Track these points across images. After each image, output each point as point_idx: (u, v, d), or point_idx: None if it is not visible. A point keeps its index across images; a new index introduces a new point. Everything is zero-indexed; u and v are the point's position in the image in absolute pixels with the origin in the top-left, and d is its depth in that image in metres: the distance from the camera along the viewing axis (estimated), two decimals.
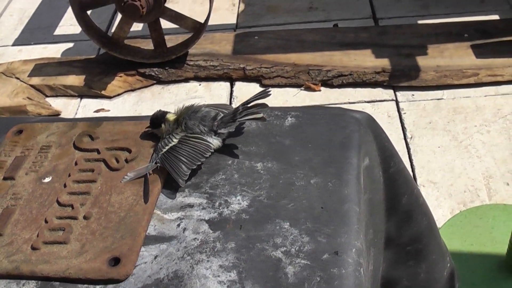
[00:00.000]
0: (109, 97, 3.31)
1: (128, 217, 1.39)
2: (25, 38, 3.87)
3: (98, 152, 1.55)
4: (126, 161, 1.52)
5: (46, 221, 1.38)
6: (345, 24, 3.62)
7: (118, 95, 3.33)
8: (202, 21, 3.24)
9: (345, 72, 3.18)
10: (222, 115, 1.53)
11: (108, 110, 3.22)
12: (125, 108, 3.23)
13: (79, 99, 3.33)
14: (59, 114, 3.22)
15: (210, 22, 3.35)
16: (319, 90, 3.18)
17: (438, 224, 2.44)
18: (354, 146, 1.46)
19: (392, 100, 3.08)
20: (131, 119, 1.65)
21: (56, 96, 3.36)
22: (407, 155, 2.78)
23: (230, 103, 3.16)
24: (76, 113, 3.22)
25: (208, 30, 3.45)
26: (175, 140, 1.49)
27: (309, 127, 1.51)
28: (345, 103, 3.08)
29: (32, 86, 3.34)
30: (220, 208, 1.37)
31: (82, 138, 1.60)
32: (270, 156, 1.46)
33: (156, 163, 1.48)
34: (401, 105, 3.05)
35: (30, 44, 3.79)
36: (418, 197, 1.71)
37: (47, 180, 1.50)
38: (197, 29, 3.28)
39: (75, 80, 3.35)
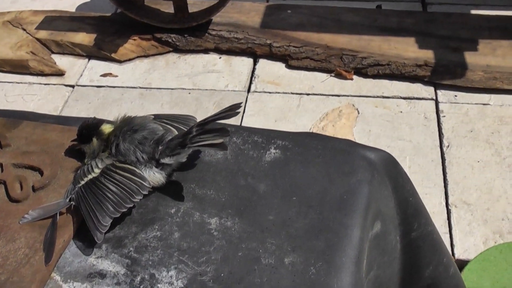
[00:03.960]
0: (119, 61, 2.80)
1: (9, 284, 0.85)
2: None
3: (2, 169, 1.01)
4: (33, 189, 0.97)
5: None
6: (389, 6, 3.06)
7: (129, 60, 2.81)
8: None
9: (383, 61, 2.63)
10: (170, 137, 0.96)
11: (116, 76, 2.73)
12: (134, 76, 2.72)
13: (86, 60, 2.83)
14: (63, 74, 2.73)
15: None
16: (351, 79, 2.65)
17: (468, 255, 2.01)
18: (359, 206, 0.88)
19: (432, 99, 2.54)
20: (63, 121, 1.09)
21: (63, 53, 2.86)
22: (441, 167, 2.27)
23: (251, 81, 2.63)
24: (81, 75, 2.73)
25: None
26: (97, 171, 0.93)
27: (298, 168, 0.93)
28: (378, 97, 2.55)
29: (38, 39, 2.84)
30: (141, 287, 0.81)
31: None
32: (232, 208, 0.89)
33: (70, 200, 0.93)
34: (441, 106, 2.51)
35: None
36: (448, 268, 1.13)
37: None
38: None
39: (85, 38, 2.84)
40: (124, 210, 0.91)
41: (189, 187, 0.94)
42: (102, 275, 0.86)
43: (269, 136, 0.98)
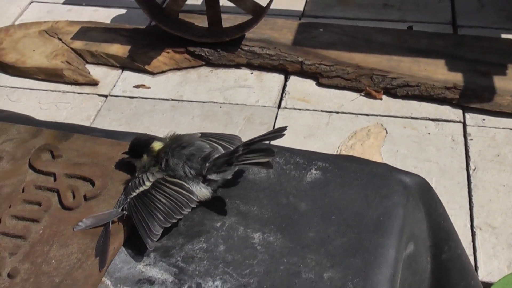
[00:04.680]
0: (152, 73, 2.86)
1: (64, 286, 0.92)
2: None
3: (55, 178, 1.08)
4: (85, 198, 1.04)
5: None
6: (420, 28, 3.10)
7: (162, 72, 2.88)
8: (265, 4, 2.78)
9: (412, 83, 2.67)
10: (217, 154, 1.03)
11: (149, 87, 2.79)
12: (166, 88, 2.78)
13: (120, 71, 2.90)
14: (97, 84, 2.80)
15: (275, 6, 2.95)
16: (380, 99, 2.69)
17: (491, 278, 2.02)
18: (395, 228, 0.94)
19: (460, 122, 2.58)
20: (112, 135, 1.16)
21: (97, 64, 2.93)
22: (467, 190, 2.30)
23: (281, 98, 2.69)
24: (114, 85, 2.80)
25: (271, 14, 3.00)
26: (148, 184, 1.00)
27: (338, 189, 0.99)
28: (406, 117, 2.59)
29: (73, 49, 2.92)
30: None
31: (40, 154, 1.12)
32: (275, 224, 0.95)
33: (122, 210, 1.00)
34: (468, 129, 2.54)
35: (81, 5, 3.37)
36: None
37: None
38: (257, 12, 2.81)
39: (119, 49, 2.92)
40: (174, 221, 0.97)
41: (233, 203, 1.01)
42: (151, 281, 0.93)
43: (310, 157, 1.05)
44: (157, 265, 0.95)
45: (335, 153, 2.41)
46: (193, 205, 1.00)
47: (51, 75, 2.82)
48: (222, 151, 1.06)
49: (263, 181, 1.03)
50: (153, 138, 1.10)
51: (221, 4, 2.86)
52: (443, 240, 1.09)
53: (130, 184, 1.04)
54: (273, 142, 1.03)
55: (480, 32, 3.06)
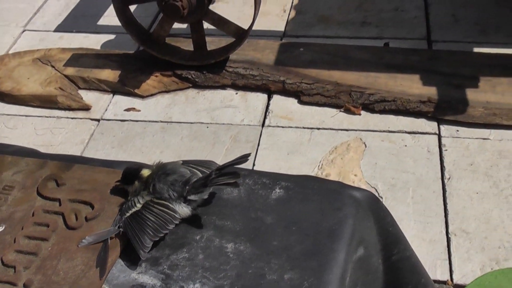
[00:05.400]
0: (142, 96, 3.07)
1: None
2: (68, 25, 3.65)
3: (60, 203, 1.32)
4: (86, 219, 1.29)
5: None
6: (396, 44, 3.31)
7: (151, 95, 3.09)
8: (247, 26, 2.98)
9: (389, 98, 2.88)
10: (195, 179, 1.27)
11: (139, 110, 3.00)
12: (156, 110, 3.00)
13: (111, 95, 3.11)
14: (89, 109, 3.01)
15: (257, 27, 3.12)
16: (359, 114, 2.90)
17: (465, 280, 2.18)
18: (345, 235, 1.18)
19: (435, 133, 2.77)
20: (108, 164, 1.40)
21: (89, 89, 3.14)
22: (442, 198, 2.48)
23: (265, 116, 2.90)
24: (106, 109, 3.01)
25: (254, 35, 3.19)
26: (139, 205, 1.25)
27: (298, 204, 1.23)
28: (384, 131, 2.79)
29: (66, 76, 3.14)
30: None
31: (47, 182, 1.37)
32: (245, 235, 1.20)
33: (119, 227, 1.23)
34: (443, 140, 2.74)
35: (72, 32, 3.57)
36: (427, 286, 1.42)
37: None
38: (240, 35, 3.02)
39: (110, 74, 3.14)
40: (162, 235, 1.22)
41: (211, 219, 1.25)
42: (142, 286, 1.16)
43: (275, 178, 1.28)
44: (147, 272, 1.18)
45: (317, 167, 2.61)
46: (176, 222, 1.24)
47: (46, 102, 3.03)
48: (200, 175, 1.30)
49: (236, 199, 1.27)
50: (142, 167, 1.34)
51: (205, 27, 3.06)
52: (392, 243, 1.32)
53: (124, 206, 1.28)
54: (243, 166, 1.26)
55: (454, 47, 3.24)
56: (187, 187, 1.25)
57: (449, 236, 2.32)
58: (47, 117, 2.99)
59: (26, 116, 3.01)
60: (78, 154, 2.72)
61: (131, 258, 1.21)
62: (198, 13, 2.94)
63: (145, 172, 1.32)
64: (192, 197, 1.25)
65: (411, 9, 3.58)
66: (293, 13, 3.61)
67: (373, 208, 1.28)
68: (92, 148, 2.78)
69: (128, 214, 1.25)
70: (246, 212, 1.24)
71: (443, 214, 2.40)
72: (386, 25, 3.47)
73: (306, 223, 1.20)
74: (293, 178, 1.29)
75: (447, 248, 2.27)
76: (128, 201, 1.28)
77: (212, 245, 1.19)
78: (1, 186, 1.38)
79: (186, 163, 1.35)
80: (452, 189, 2.51)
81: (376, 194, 2.42)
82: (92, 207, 1.31)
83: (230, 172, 1.23)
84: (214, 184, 1.24)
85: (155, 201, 1.26)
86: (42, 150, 2.71)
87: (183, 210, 1.25)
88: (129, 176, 1.32)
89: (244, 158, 1.27)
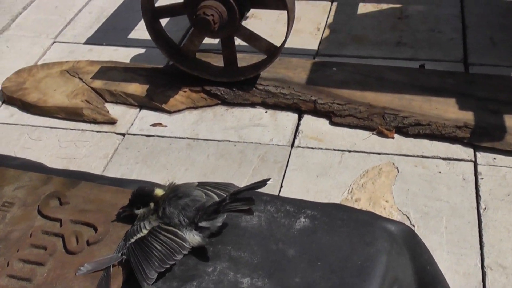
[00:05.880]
0: (169, 112, 2.95)
1: None
2: (98, 37, 3.56)
3: (61, 224, 1.17)
4: (88, 243, 1.13)
5: None
6: (432, 66, 3.15)
7: (179, 111, 2.96)
8: (279, 43, 2.84)
9: (423, 122, 2.72)
10: (209, 204, 1.12)
11: (165, 126, 2.88)
12: (183, 126, 2.87)
13: (138, 109, 2.99)
14: (115, 122, 2.90)
15: (290, 45, 2.99)
16: (392, 137, 2.74)
17: None
18: (377, 273, 1.01)
19: (471, 161, 2.61)
20: (117, 183, 1.25)
21: (116, 103, 3.03)
22: (477, 229, 2.32)
23: (295, 136, 2.75)
24: (132, 124, 2.89)
25: (286, 53, 3.06)
26: (145, 231, 1.09)
27: (324, 236, 1.07)
28: (417, 156, 2.63)
29: (93, 89, 3.03)
30: None
31: (49, 201, 1.22)
32: (263, 270, 1.03)
33: (122, 254, 1.08)
34: (479, 168, 2.57)
35: (102, 45, 3.48)
36: None
37: None
38: (271, 52, 2.88)
39: (138, 88, 3.02)
40: (168, 266, 1.06)
41: (225, 249, 1.09)
42: None
43: (300, 206, 1.13)
44: None
45: (347, 191, 2.47)
46: (185, 252, 1.08)
47: (71, 114, 2.92)
48: (217, 199, 1.15)
49: (255, 228, 1.11)
50: (154, 187, 1.19)
51: (236, 43, 2.94)
52: (429, 284, 1.16)
53: (129, 230, 1.13)
54: (265, 191, 1.11)
55: (491, 70, 3.09)
56: (199, 213, 1.11)
57: (485, 270, 2.17)
58: (72, 129, 2.89)
59: (50, 128, 2.90)
60: (101, 168, 2.61)
61: None
62: (230, 28, 2.82)
63: (159, 192, 1.18)
64: (203, 224, 1.10)
65: (447, 31, 3.42)
66: (327, 32, 3.47)
67: (409, 243, 1.11)
68: (115, 162, 2.66)
69: (132, 240, 1.10)
70: (266, 243, 1.08)
71: (479, 246, 2.25)
72: (422, 46, 3.32)
73: (333, 258, 1.04)
74: (320, 206, 1.12)
75: (482, 283, 2.12)
76: (134, 226, 1.13)
77: (225, 279, 1.03)
78: (1, 202, 1.24)
79: (201, 185, 1.20)
80: (488, 220, 2.35)
81: (408, 222, 2.29)
82: (96, 229, 1.16)
83: (244, 198, 1.08)
84: (227, 211, 1.09)
85: (163, 227, 1.11)
86: (65, 162, 2.67)
87: (194, 238, 1.10)
88: (140, 199, 1.18)
89: (263, 182, 1.13)
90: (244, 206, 1.07)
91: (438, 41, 3.36)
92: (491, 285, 2.11)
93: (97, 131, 2.86)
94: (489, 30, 3.41)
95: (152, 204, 1.17)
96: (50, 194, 1.24)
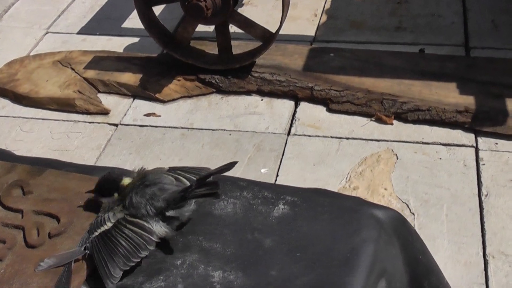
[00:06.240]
0: (163, 101, 2.84)
1: None
2: (92, 27, 3.45)
3: (22, 215, 1.07)
4: (49, 235, 1.03)
5: None
6: (432, 50, 3.03)
7: (173, 100, 2.86)
8: (274, 30, 2.74)
9: (423, 107, 2.61)
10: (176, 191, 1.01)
11: (159, 116, 2.77)
12: (177, 116, 2.76)
13: (131, 99, 2.89)
14: (108, 113, 2.79)
15: (286, 32, 2.92)
16: (391, 124, 2.64)
17: None
18: (362, 265, 0.90)
19: (472, 146, 2.51)
20: (84, 170, 1.15)
21: (109, 93, 2.92)
22: (479, 216, 2.23)
23: (291, 124, 2.65)
24: (125, 114, 2.79)
25: (282, 40, 2.96)
26: (109, 224, 0.98)
27: (305, 225, 0.95)
28: (417, 142, 2.53)
29: (85, 79, 2.92)
30: None
31: (11, 190, 1.11)
32: (237, 262, 0.92)
33: (85, 248, 0.98)
34: (481, 153, 2.47)
35: (95, 34, 3.37)
36: None
37: None
38: (267, 38, 2.78)
39: (131, 78, 2.91)
40: (133, 264, 0.96)
41: (196, 240, 0.98)
42: None
43: (279, 191, 1.01)
44: None
45: (345, 179, 2.38)
46: (152, 247, 0.99)
47: (64, 105, 2.82)
48: (188, 183, 1.05)
49: (229, 216, 1.00)
50: (122, 175, 1.09)
51: (231, 30, 2.84)
52: (422, 275, 1.05)
53: (93, 222, 1.02)
54: (245, 176, 1.01)
55: (493, 54, 2.99)
56: (165, 202, 1.00)
57: (487, 258, 2.10)
58: (64, 120, 2.79)
59: (42, 119, 2.81)
60: (94, 159, 2.52)
61: (97, 285, 0.95)
62: (223, 14, 2.71)
63: (126, 181, 1.07)
64: (171, 213, 1.00)
65: (448, 15, 3.30)
66: (324, 18, 3.36)
67: (400, 231, 0.99)
68: (108, 153, 2.57)
69: (96, 234, 1.00)
70: (241, 232, 0.97)
71: (480, 234, 2.17)
72: (422, 30, 3.20)
73: (314, 248, 0.92)
74: (301, 192, 1.01)
75: (484, 272, 2.05)
76: (98, 217, 1.03)
77: (195, 273, 0.92)
78: None
79: (172, 169, 1.10)
80: (489, 207, 2.26)
81: (408, 210, 2.20)
82: (58, 220, 1.05)
83: (209, 182, 0.99)
84: (193, 197, 0.99)
85: (128, 219, 1.00)
86: (57, 154, 2.56)
87: (161, 229, 0.99)
88: (106, 186, 1.07)
89: (230, 165, 1.03)
90: (210, 191, 0.97)
91: (438, 25, 3.25)
92: (493, 274, 2.04)
93: (89, 122, 2.77)
94: (490, 13, 3.30)
95: (116, 195, 1.06)
96: (13, 183, 1.14)
